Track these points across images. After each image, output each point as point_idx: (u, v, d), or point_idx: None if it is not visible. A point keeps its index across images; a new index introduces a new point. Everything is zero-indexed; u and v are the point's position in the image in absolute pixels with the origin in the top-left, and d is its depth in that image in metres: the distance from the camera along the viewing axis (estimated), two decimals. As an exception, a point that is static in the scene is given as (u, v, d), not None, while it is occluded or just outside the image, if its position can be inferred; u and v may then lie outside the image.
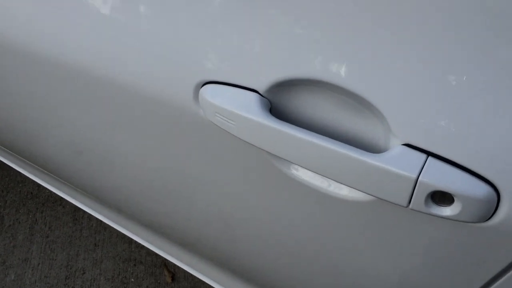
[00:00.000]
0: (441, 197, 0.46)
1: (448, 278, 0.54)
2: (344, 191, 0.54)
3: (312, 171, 0.51)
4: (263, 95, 0.53)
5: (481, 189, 0.44)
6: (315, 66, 0.49)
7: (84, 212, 1.83)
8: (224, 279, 1.09)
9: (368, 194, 0.49)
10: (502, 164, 0.43)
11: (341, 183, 0.50)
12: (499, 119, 0.42)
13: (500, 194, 0.44)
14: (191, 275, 1.66)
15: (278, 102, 0.54)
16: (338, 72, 0.48)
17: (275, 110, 0.54)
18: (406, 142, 0.46)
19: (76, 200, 1.37)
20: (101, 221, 1.80)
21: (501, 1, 0.42)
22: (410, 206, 0.47)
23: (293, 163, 0.52)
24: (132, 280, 1.70)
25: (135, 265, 1.72)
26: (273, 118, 0.51)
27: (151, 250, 1.71)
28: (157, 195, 0.91)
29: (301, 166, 0.51)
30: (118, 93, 0.67)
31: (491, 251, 0.48)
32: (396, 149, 0.46)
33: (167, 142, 0.69)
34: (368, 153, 0.47)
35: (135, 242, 1.75)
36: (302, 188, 0.57)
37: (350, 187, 0.49)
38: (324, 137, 0.49)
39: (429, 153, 0.46)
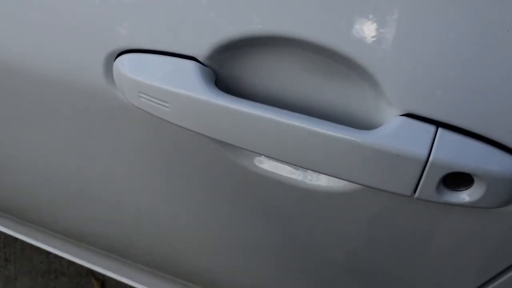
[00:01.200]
0: (455, 180, 0.35)
1: (455, 274, 0.44)
2: (322, 181, 0.41)
3: (281, 162, 0.38)
4: (204, 63, 0.38)
5: (505, 165, 0.33)
6: (277, 18, 0.35)
7: (-12, 224, 1.61)
8: (160, 284, 0.98)
9: (359, 184, 0.37)
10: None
11: (322, 173, 0.37)
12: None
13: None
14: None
15: (225, 72, 0.40)
16: (309, 24, 0.35)
17: (222, 84, 0.40)
18: (407, 111, 0.34)
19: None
20: (9, 232, 1.61)
21: None
22: (416, 195, 0.36)
23: (255, 152, 0.38)
24: (55, 294, 1.54)
25: (56, 277, 1.58)
26: (224, 94, 0.37)
27: (74, 258, 1.56)
28: (74, 199, 0.78)
29: (267, 156, 0.38)
30: (9, 80, 0.49)
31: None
32: (395, 121, 0.35)
33: (81, 137, 0.53)
34: (358, 130, 0.35)
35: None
36: (266, 183, 0.44)
37: (335, 177, 0.37)
38: (297, 114, 0.36)
39: (439, 124, 0.34)
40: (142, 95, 0.39)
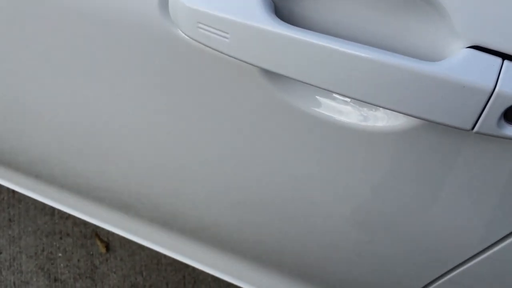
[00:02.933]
0: (514, 114, 0.36)
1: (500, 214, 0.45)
2: (381, 122, 0.42)
3: (344, 96, 0.38)
4: (263, -6, 0.38)
5: None
6: None
7: (-9, 185, 1.62)
8: (167, 241, 1.01)
9: (420, 118, 0.37)
10: None
11: (384, 106, 0.37)
12: None
13: None
14: (128, 242, 1.57)
15: (284, 4, 0.39)
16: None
17: (282, 15, 0.40)
18: (474, 43, 0.35)
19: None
20: (13, 193, 1.62)
21: None
22: (476, 128, 0.36)
23: (317, 86, 0.38)
24: (60, 255, 1.56)
25: (61, 238, 1.59)
26: (287, 24, 0.37)
27: (78, 220, 1.59)
28: (85, 148, 0.79)
29: (331, 91, 0.38)
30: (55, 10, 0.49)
31: None
32: (462, 53, 0.35)
33: (127, 74, 0.53)
34: (423, 61, 0.36)
35: (58, 213, 1.60)
36: (322, 126, 0.44)
37: (396, 110, 0.37)
38: (362, 45, 0.36)
39: (505, 56, 0.35)
40: (201, 25, 0.39)
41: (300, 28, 0.37)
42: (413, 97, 0.36)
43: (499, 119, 0.36)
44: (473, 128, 0.37)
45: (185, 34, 0.41)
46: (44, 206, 1.58)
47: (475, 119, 0.36)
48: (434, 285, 0.63)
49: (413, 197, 0.48)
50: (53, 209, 1.60)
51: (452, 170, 0.43)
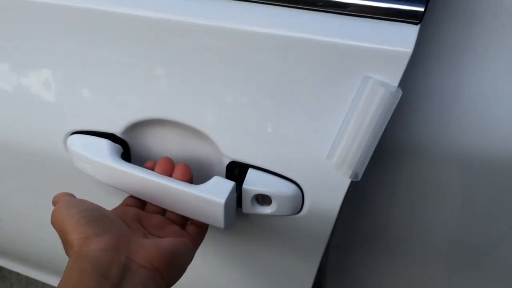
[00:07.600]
0: (263, 200, 0.58)
1: (290, 261, 0.66)
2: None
3: (154, 204, 0.60)
4: (120, 137, 0.61)
5: (289, 189, 0.55)
6: (156, 108, 0.58)
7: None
8: None
9: (198, 220, 0.59)
10: (303, 168, 0.54)
11: (175, 211, 0.59)
12: (296, 136, 0.52)
13: (303, 191, 0.55)
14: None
15: (135, 141, 0.63)
16: (177, 111, 0.57)
17: (135, 148, 0.63)
18: (233, 159, 0.56)
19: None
20: (30, 273, 1.77)
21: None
22: (243, 210, 0.58)
23: (140, 198, 0.61)
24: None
25: None
26: (119, 161, 0.59)
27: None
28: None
29: (147, 201, 0.60)
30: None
31: (310, 233, 0.60)
32: (213, 180, 0.57)
33: (43, 189, 0.77)
34: (193, 185, 0.56)
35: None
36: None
37: (182, 214, 0.59)
38: (159, 175, 0.57)
39: (250, 166, 0.56)
40: (80, 161, 0.63)
41: (126, 163, 0.58)
42: (189, 206, 0.57)
43: (252, 203, 0.57)
44: (241, 210, 0.58)
45: (75, 164, 0.65)
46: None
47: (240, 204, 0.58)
48: None
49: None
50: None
51: (248, 241, 0.64)
